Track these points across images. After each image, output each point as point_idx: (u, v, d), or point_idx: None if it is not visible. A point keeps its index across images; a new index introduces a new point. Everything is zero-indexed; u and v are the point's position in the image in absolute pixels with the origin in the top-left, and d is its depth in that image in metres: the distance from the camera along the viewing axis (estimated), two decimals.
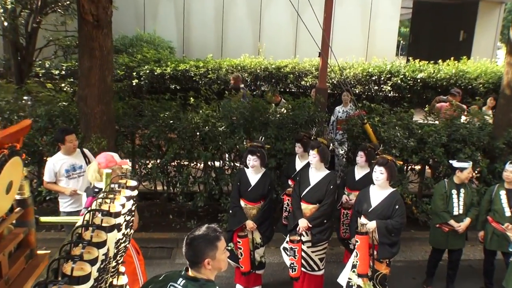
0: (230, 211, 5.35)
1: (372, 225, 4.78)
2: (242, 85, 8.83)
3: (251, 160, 5.22)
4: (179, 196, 6.85)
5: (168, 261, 6.37)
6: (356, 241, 4.77)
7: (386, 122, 7.23)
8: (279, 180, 6.96)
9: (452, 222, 5.65)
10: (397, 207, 4.76)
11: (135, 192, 2.81)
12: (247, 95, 8.54)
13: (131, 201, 2.66)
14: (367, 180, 5.27)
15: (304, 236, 5.24)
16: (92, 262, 1.87)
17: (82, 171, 5.42)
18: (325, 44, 7.34)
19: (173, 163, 7.02)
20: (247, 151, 5.29)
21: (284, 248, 5.47)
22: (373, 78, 11.64)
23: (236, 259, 5.38)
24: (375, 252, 4.80)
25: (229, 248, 5.34)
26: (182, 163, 7.02)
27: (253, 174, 5.35)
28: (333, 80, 11.49)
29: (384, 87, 11.55)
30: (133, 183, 2.85)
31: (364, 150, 5.78)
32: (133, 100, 7.71)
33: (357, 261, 4.78)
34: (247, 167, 5.36)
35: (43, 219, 2.60)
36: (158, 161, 6.90)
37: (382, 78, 11.61)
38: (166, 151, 6.85)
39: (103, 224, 2.17)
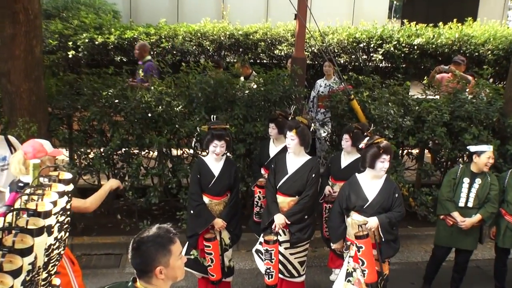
0: (192, 212, 5.30)
1: (374, 222, 4.83)
2: (149, 57, 8.73)
3: (218, 146, 5.18)
4: (128, 191, 6.78)
5: (116, 271, 6.35)
6: (359, 247, 4.78)
7: (377, 97, 7.29)
8: (249, 169, 6.98)
9: (455, 214, 5.73)
10: (396, 195, 4.89)
11: (70, 187, 2.77)
12: (155, 66, 8.34)
13: (65, 198, 2.63)
14: (355, 168, 5.32)
15: (281, 235, 5.27)
16: (14, 273, 1.85)
17: (6, 164, 5.29)
18: (303, 4, 7.31)
19: (120, 152, 6.94)
20: (211, 135, 5.20)
21: (258, 251, 5.50)
22: (361, 45, 11.69)
23: (203, 269, 5.38)
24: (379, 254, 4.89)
25: (193, 256, 5.33)
26: (131, 151, 6.95)
27: (215, 162, 5.34)
28: (313, 48, 11.50)
29: (374, 55, 11.63)
30: (67, 175, 2.81)
31: (349, 132, 5.83)
32: (69, 76, 7.56)
33: (364, 270, 4.79)
34: (203, 155, 5.35)
35: None
36: (102, 149, 6.82)
37: (372, 45, 11.67)
38: (111, 138, 6.77)
39: (29, 227, 2.13)
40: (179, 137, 6.91)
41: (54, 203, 2.44)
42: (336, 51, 11.57)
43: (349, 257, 4.96)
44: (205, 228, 5.23)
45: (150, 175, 6.93)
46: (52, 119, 6.87)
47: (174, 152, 7.22)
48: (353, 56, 11.62)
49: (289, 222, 5.18)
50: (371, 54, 11.70)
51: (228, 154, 5.52)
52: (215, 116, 5.94)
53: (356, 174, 5.05)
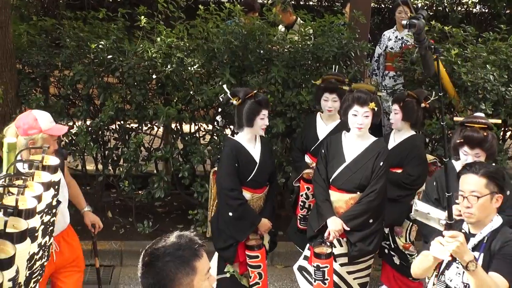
0: (231, 214, 5.34)
1: None
2: None
3: (266, 117, 5.28)
4: (123, 180, 6.87)
5: None
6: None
7: (470, 57, 7.21)
8: (288, 155, 7.00)
9: None
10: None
11: (57, 176, 2.83)
12: None
13: (51, 191, 2.69)
14: (406, 149, 5.57)
15: (335, 246, 5.30)
16: None
17: None
18: None
19: (113, 127, 7.01)
20: (255, 104, 5.25)
21: (302, 268, 5.55)
22: None
23: None
24: None
25: (228, 274, 5.41)
26: (128, 126, 7.03)
27: (252, 143, 5.43)
28: None
29: None
30: (53, 160, 2.86)
31: (399, 101, 5.84)
32: (46, 21, 7.60)
33: None
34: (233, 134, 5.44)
35: None
36: (89, 122, 6.89)
37: None
38: (102, 106, 6.84)
39: (7, 230, 2.18)
40: (193, 108, 6.96)
41: (38, 198, 2.49)
42: None
43: None
44: (250, 233, 5.36)
45: (153, 159, 7.00)
46: (22, 80, 6.96)
47: (187, 128, 7.27)
48: (421, 11, 11.48)
49: (348, 228, 5.19)
50: None
51: None
52: (225, 86, 5.87)
53: (453, 160, 5.02)
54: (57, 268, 4.77)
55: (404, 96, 5.87)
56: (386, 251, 5.93)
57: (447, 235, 3.55)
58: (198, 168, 7.15)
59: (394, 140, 5.95)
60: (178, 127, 7.21)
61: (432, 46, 5.07)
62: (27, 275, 2.41)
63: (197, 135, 7.23)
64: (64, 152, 5.46)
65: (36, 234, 2.43)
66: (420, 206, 4.08)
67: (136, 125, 7.09)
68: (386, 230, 5.84)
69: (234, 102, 5.37)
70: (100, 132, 6.95)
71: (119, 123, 6.99)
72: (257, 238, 5.39)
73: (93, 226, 5.31)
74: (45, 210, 2.59)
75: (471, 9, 11.61)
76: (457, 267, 3.87)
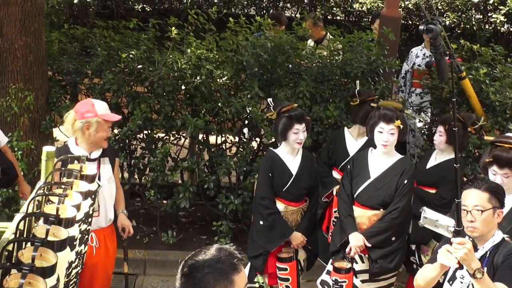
0: (261, 222, 5.41)
1: None
2: None
3: (300, 131, 5.31)
4: (149, 189, 6.91)
5: None
6: None
7: (498, 76, 7.20)
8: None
9: None
10: None
11: (95, 185, 2.87)
12: None
13: (89, 200, 2.72)
14: (445, 170, 5.51)
15: (357, 262, 5.31)
16: None
17: None
18: None
19: (140, 136, 7.07)
20: (288, 118, 5.31)
21: (324, 283, 5.55)
22: (476, 1, 11.52)
23: None
24: None
25: (257, 284, 5.44)
26: (155, 135, 7.07)
27: (291, 156, 5.49)
28: (407, 2, 11.41)
29: (494, 15, 11.45)
30: (91, 170, 2.91)
31: (445, 123, 5.82)
32: (76, 29, 7.67)
33: None
34: (275, 147, 5.48)
35: None
36: (116, 131, 6.94)
37: (491, 2, 11.50)
38: (130, 115, 6.89)
39: (49, 238, 2.22)
40: (221, 120, 6.99)
41: (77, 208, 2.54)
42: (439, 7, 11.44)
43: None
44: (280, 244, 5.36)
45: (179, 169, 7.03)
46: (52, 87, 7.03)
47: (213, 139, 7.30)
48: (463, 16, 11.47)
49: (369, 245, 5.21)
50: (489, 14, 11.51)
51: None
52: (270, 99, 5.96)
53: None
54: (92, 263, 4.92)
55: (451, 119, 5.77)
56: (415, 266, 5.92)
57: (455, 242, 3.56)
58: (223, 180, 7.15)
59: (435, 159, 5.95)
60: (205, 138, 7.22)
61: (447, 52, 5.15)
62: (65, 282, 2.45)
63: (224, 146, 7.25)
64: (116, 151, 5.59)
65: (74, 243, 2.48)
66: (428, 214, 4.09)
67: (164, 135, 7.13)
68: (413, 246, 5.84)
69: (270, 116, 5.45)
70: (127, 140, 6.98)
71: (146, 132, 7.03)
72: (290, 251, 5.40)
73: (123, 231, 5.38)
74: (83, 219, 2.63)
75: (499, 27, 11.58)
76: (461, 282, 3.89)
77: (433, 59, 8.10)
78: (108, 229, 5.27)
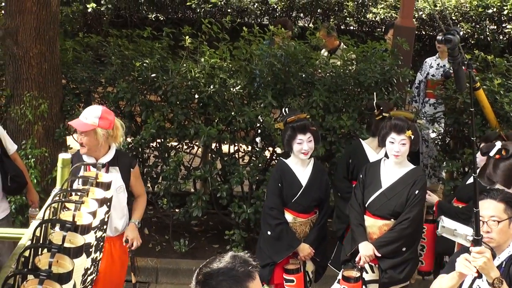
0: (269, 232, 5.44)
1: None
2: None
3: (304, 141, 5.32)
4: (161, 198, 6.93)
5: None
6: None
7: None
8: (329, 178, 6.99)
9: None
10: None
11: (110, 193, 2.88)
12: None
13: (104, 208, 2.74)
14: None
15: (367, 272, 5.31)
16: None
17: None
18: None
19: (153, 144, 7.09)
20: (291, 129, 5.36)
21: None
22: (490, 11, 11.51)
23: None
24: None
25: None
26: (168, 144, 7.09)
27: (302, 167, 5.50)
28: (420, 13, 11.40)
29: (509, 26, 11.43)
30: (106, 177, 2.92)
31: (487, 141, 5.76)
32: (91, 38, 7.73)
33: None
34: (284, 157, 5.47)
35: None
36: (130, 139, 6.96)
37: (506, 12, 11.48)
38: (143, 124, 6.91)
39: (65, 245, 2.23)
40: (234, 129, 7.00)
41: (93, 215, 2.55)
42: (454, 18, 11.43)
43: None
44: (287, 255, 5.37)
45: (192, 178, 7.07)
46: (66, 95, 7.08)
47: (226, 148, 7.33)
48: (477, 26, 11.45)
49: (379, 255, 5.21)
50: (504, 24, 11.50)
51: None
52: (286, 108, 5.98)
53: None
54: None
55: (493, 136, 5.75)
56: None
57: (474, 251, 3.56)
58: (236, 189, 7.17)
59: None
60: (218, 147, 7.25)
61: (466, 61, 5.16)
62: None
63: (237, 155, 7.28)
64: (132, 160, 5.60)
65: (90, 250, 2.49)
66: (446, 223, 4.08)
67: (177, 144, 7.16)
68: (448, 259, 5.81)
69: (278, 126, 5.47)
70: (140, 149, 7.00)
71: (159, 141, 7.05)
72: (297, 263, 5.40)
73: (126, 241, 5.29)
74: (99, 226, 2.65)
75: None
76: None
77: (451, 69, 8.17)
78: (116, 239, 5.27)
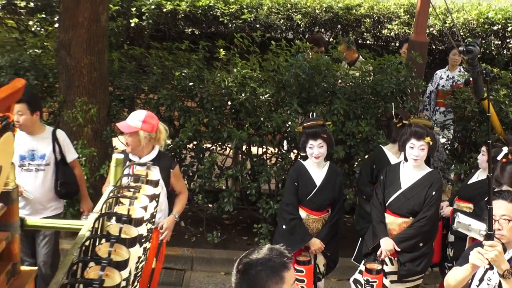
0: (284, 226, 5.47)
1: None
2: None
3: (315, 147, 5.33)
4: (197, 194, 6.98)
5: None
6: None
7: None
8: (347, 178, 7.05)
9: None
10: None
11: (159, 189, 2.90)
12: None
13: (154, 203, 2.76)
14: (480, 187, 5.44)
15: (387, 264, 5.30)
16: None
17: (44, 163, 5.54)
18: None
19: (190, 146, 7.13)
20: (304, 135, 5.40)
21: (356, 281, 5.55)
22: (495, 28, 11.43)
23: None
24: None
25: None
26: (203, 145, 7.13)
27: (317, 169, 5.48)
28: (431, 29, 11.35)
29: None
30: (155, 175, 2.94)
31: (487, 144, 5.75)
32: (134, 50, 7.82)
33: None
34: (304, 159, 5.52)
35: (31, 221, 2.70)
36: (169, 141, 7.00)
37: (510, 29, 11.38)
38: (181, 128, 6.96)
39: (122, 236, 2.25)
40: (263, 133, 7.03)
41: (145, 209, 2.58)
42: (462, 34, 11.35)
43: None
44: (299, 248, 5.37)
45: (225, 176, 7.10)
46: (112, 101, 7.15)
47: (255, 150, 7.35)
48: (483, 41, 11.37)
49: (398, 249, 5.22)
50: (508, 40, 11.41)
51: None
52: (313, 113, 6.00)
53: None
54: None
55: (493, 139, 5.72)
56: (447, 271, 5.86)
57: (487, 245, 3.59)
58: (264, 187, 7.18)
59: (477, 176, 5.85)
60: (248, 149, 7.27)
61: (484, 71, 5.16)
62: (134, 275, 2.49)
63: (264, 157, 7.30)
64: (172, 161, 5.67)
65: (142, 240, 2.51)
66: (462, 219, 4.12)
67: (211, 146, 7.19)
68: (452, 253, 5.79)
69: (298, 130, 5.53)
70: (178, 150, 7.03)
71: (195, 143, 7.09)
72: (307, 255, 5.42)
73: (160, 228, 5.36)
74: (149, 219, 2.67)
75: None
76: (488, 284, 3.89)
77: (459, 80, 8.16)
78: (154, 230, 5.28)
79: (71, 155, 5.69)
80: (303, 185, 5.47)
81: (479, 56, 4.33)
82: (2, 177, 2.12)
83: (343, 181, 6.91)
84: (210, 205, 7.15)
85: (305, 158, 5.65)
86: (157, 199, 2.87)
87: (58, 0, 7.72)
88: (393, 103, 6.41)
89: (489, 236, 3.63)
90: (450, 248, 5.78)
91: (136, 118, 5.03)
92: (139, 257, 2.53)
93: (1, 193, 2.28)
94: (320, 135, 5.34)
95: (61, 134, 5.66)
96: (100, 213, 2.48)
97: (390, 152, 5.96)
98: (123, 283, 2.10)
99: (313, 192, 5.45)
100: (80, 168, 5.86)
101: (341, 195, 5.65)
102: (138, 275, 2.65)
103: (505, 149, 5.03)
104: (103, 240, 2.26)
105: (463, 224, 4.06)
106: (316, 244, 5.38)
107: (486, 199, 3.84)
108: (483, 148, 5.75)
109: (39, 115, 5.49)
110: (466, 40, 11.25)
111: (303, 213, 5.46)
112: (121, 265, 2.09)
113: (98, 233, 2.42)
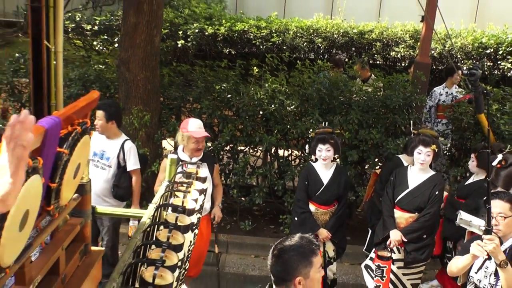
0: (296, 218, 5.49)
1: None
2: None
3: (323, 150, 5.36)
4: (232, 189, 7.01)
5: (216, 269, 6.52)
6: None
7: (507, 111, 7.06)
8: (359, 178, 7.04)
9: None
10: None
11: (206, 185, 2.92)
12: None
13: (203, 196, 2.78)
14: (474, 187, 5.47)
15: (395, 252, 5.29)
16: (172, 269, 1.98)
17: (107, 164, 5.59)
18: (432, 5, 7.19)
19: (227, 148, 7.17)
20: (315, 139, 5.45)
21: (367, 267, 5.53)
22: (488, 51, 11.32)
23: None
24: None
25: None
26: (238, 148, 7.16)
27: (325, 169, 5.51)
28: (433, 52, 11.26)
29: (503, 63, 11.21)
30: (203, 172, 2.96)
31: (475, 151, 5.74)
32: (182, 67, 7.88)
33: None
34: (314, 161, 5.57)
35: (101, 209, 2.74)
36: (209, 144, 7.05)
37: (500, 52, 11.26)
38: (220, 133, 6.99)
39: (178, 223, 2.27)
40: (289, 138, 7.04)
41: (196, 201, 2.60)
42: (459, 56, 11.26)
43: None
44: None
45: (256, 174, 7.11)
46: (163, 109, 7.21)
47: (281, 152, 7.35)
48: (477, 63, 11.24)
49: (405, 240, 5.21)
50: (498, 62, 11.28)
51: (338, 161, 5.63)
52: (325, 123, 6.01)
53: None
54: None
55: (480, 147, 5.73)
56: (445, 260, 5.81)
57: (486, 238, 3.60)
58: (289, 184, 7.21)
59: (472, 179, 5.84)
60: (276, 151, 7.29)
61: (485, 91, 5.12)
62: (186, 257, 2.51)
63: (290, 158, 7.30)
64: (215, 159, 5.82)
65: (194, 228, 2.53)
66: (463, 216, 4.16)
67: (244, 148, 7.22)
68: (451, 245, 5.76)
69: (312, 135, 5.64)
70: (217, 151, 7.08)
71: (232, 146, 7.13)
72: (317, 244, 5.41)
73: (213, 219, 5.56)
74: (199, 210, 2.69)
75: (506, 73, 11.35)
76: (485, 271, 3.88)
77: (458, 95, 8.09)
78: (204, 217, 5.36)
79: (131, 165, 5.59)
80: (313, 183, 5.49)
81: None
82: (79, 173, 2.15)
83: (357, 180, 6.96)
84: (243, 198, 7.18)
85: (316, 160, 5.65)
86: (205, 193, 2.88)
87: (119, 23, 7.79)
88: (412, 122, 6.51)
89: (488, 231, 3.64)
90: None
91: (202, 126, 5.21)
92: (190, 241, 2.55)
93: (78, 185, 2.34)
94: (328, 140, 5.36)
95: (128, 145, 5.60)
96: (158, 204, 2.50)
97: (407, 161, 5.89)
98: (179, 263, 2.12)
99: (321, 189, 5.46)
100: (137, 179, 5.70)
101: (346, 192, 5.64)
102: (188, 256, 2.67)
103: (499, 156, 4.98)
104: (162, 227, 2.27)
105: (465, 220, 4.06)
106: (323, 233, 5.38)
107: (485, 199, 3.81)
108: (472, 155, 5.73)
109: (115, 123, 5.51)
110: (463, 61, 11.19)
111: (312, 207, 5.47)
112: (178, 248, 2.11)
113: (157, 221, 2.44)
